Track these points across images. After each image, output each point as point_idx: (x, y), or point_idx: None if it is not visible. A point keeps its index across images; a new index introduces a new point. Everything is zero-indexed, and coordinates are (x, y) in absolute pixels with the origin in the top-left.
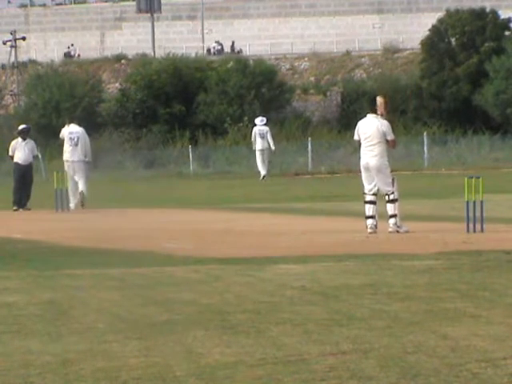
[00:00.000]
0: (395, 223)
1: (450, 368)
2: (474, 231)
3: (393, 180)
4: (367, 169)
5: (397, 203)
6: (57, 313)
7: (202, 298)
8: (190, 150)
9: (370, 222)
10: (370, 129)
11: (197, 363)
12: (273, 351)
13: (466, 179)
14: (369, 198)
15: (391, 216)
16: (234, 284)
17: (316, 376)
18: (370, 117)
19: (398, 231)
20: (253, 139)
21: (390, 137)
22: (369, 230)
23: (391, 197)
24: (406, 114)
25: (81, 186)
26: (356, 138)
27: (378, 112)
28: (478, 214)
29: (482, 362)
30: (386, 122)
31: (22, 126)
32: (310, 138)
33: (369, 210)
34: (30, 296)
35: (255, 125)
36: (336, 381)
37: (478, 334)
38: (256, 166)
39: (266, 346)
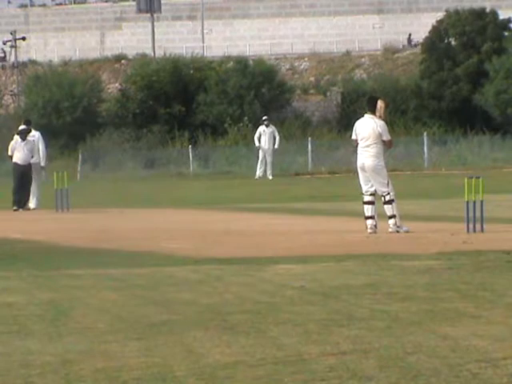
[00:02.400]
0: (395, 223)
1: (450, 368)
2: (474, 231)
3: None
4: (363, 169)
5: (394, 203)
6: (57, 313)
7: (201, 298)
8: (189, 150)
9: (369, 222)
10: (366, 129)
11: (197, 363)
12: (273, 351)
13: (466, 179)
14: (367, 198)
15: (390, 217)
16: (234, 284)
17: (316, 376)
18: (367, 117)
19: (398, 231)
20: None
21: (386, 137)
22: (369, 231)
23: (387, 198)
24: (405, 114)
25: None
26: (354, 137)
27: (377, 114)
28: (478, 214)
29: (481, 362)
30: (382, 123)
31: (21, 127)
32: (309, 138)
33: (367, 210)
34: (30, 296)
35: (267, 124)
36: (336, 381)
37: (477, 334)
38: (256, 166)
39: (266, 346)
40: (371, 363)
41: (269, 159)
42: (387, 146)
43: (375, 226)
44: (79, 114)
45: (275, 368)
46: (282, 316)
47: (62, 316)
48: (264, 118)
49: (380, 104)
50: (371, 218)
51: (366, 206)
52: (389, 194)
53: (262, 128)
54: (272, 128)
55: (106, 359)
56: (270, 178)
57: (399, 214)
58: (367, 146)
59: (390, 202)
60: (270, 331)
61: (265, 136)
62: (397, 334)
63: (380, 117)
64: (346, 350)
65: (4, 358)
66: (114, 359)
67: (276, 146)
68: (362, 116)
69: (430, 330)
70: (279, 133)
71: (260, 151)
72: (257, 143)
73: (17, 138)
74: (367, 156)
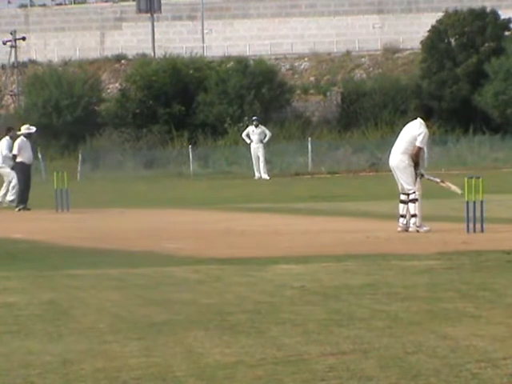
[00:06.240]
0: (415, 223)
1: (450, 368)
2: (474, 231)
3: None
4: (393, 168)
5: (417, 203)
6: (57, 313)
7: (201, 298)
8: (189, 150)
9: (400, 220)
10: (407, 129)
11: (197, 363)
12: (273, 351)
13: (466, 179)
14: (401, 197)
15: (411, 216)
16: (234, 284)
17: (316, 376)
18: (418, 120)
19: (418, 231)
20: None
21: (418, 143)
22: (398, 229)
23: (411, 196)
24: (405, 113)
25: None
26: None
27: (428, 123)
28: (478, 214)
29: (481, 362)
30: (425, 130)
31: (33, 130)
32: (309, 138)
33: (400, 208)
34: (30, 296)
35: (260, 123)
36: (336, 381)
37: (477, 334)
38: (253, 166)
39: (266, 346)
40: (371, 363)
41: (261, 159)
42: (414, 150)
43: (405, 224)
44: (79, 114)
45: (275, 368)
46: (282, 316)
47: (62, 316)
48: (254, 118)
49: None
50: (403, 216)
51: (399, 205)
52: (414, 192)
53: (250, 128)
54: (261, 128)
55: (106, 359)
56: (267, 177)
57: (421, 214)
58: (398, 145)
59: (412, 201)
60: (270, 331)
61: (253, 136)
62: (397, 334)
63: (428, 126)
64: (346, 350)
65: (4, 358)
66: (114, 359)
67: (264, 141)
68: (415, 119)
69: (430, 330)
70: (278, 134)
71: (251, 149)
72: (247, 140)
73: (22, 137)
74: (395, 154)
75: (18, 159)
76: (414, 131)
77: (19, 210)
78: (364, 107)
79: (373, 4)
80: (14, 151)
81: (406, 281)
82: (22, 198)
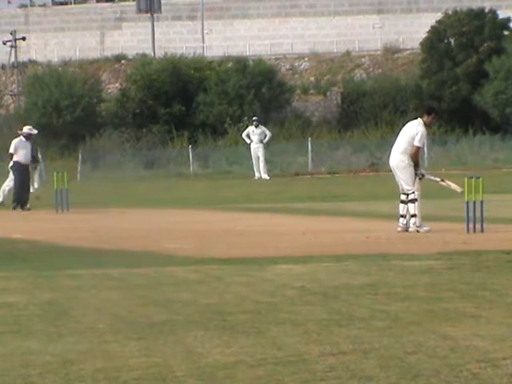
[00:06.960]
0: (415, 223)
1: (450, 368)
2: (474, 231)
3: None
4: (393, 168)
5: (416, 203)
6: (57, 313)
7: (201, 298)
8: (189, 150)
9: (400, 220)
10: (405, 129)
11: (197, 363)
12: (273, 351)
13: (466, 179)
14: (401, 197)
15: (411, 216)
16: (234, 284)
17: (316, 376)
18: (418, 119)
19: (418, 231)
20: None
21: (416, 142)
22: (398, 229)
23: (410, 196)
24: (405, 113)
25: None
26: None
27: (424, 119)
28: (478, 214)
29: (482, 362)
30: (422, 129)
31: (34, 131)
32: (309, 138)
33: (400, 208)
34: (30, 296)
35: (260, 123)
36: (336, 381)
37: (478, 334)
38: (253, 167)
39: (266, 346)
40: (371, 363)
41: (261, 159)
42: (412, 150)
43: (405, 224)
44: (79, 114)
45: (275, 368)
46: (282, 316)
47: (62, 316)
48: (254, 118)
49: (433, 115)
50: (403, 216)
51: (400, 205)
52: (413, 192)
53: (250, 128)
54: (262, 128)
55: (106, 359)
56: (267, 177)
57: (420, 214)
58: (398, 145)
59: (412, 201)
60: (270, 331)
61: (254, 136)
62: (397, 334)
63: (426, 124)
64: (346, 350)
65: (4, 358)
66: (114, 359)
67: (264, 141)
68: (415, 119)
69: (430, 330)
70: (278, 134)
71: (251, 149)
72: (247, 140)
73: (21, 137)
74: (394, 154)
75: (14, 158)
76: (412, 131)
77: (13, 208)
78: (364, 107)
79: (373, 4)
80: (11, 150)
81: (406, 281)
82: (17, 197)
